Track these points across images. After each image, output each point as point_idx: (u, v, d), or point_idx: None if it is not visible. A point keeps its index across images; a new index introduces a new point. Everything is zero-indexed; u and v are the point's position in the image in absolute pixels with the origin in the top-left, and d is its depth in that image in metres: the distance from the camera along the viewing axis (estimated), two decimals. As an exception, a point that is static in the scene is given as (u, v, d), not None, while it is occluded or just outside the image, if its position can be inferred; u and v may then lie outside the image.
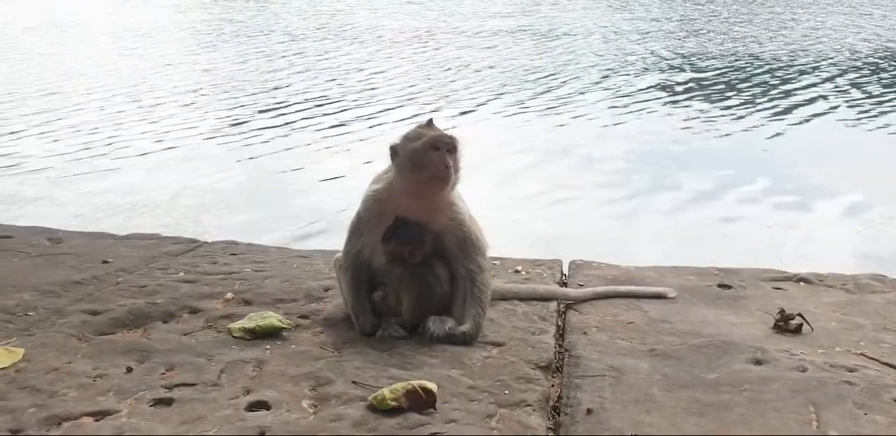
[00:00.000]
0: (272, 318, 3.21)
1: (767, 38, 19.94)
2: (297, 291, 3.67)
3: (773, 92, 14.15)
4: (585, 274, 4.23)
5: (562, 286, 4.04)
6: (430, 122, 3.25)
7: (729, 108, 12.87)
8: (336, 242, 7.54)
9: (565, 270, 4.32)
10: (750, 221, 7.86)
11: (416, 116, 12.84)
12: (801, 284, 4.16)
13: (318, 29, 23.39)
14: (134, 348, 3.07)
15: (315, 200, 9.26)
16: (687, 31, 21.25)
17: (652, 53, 18.12)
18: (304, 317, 3.40)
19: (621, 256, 6.88)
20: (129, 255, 4.31)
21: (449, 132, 3.22)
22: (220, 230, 8.75)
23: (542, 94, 14.13)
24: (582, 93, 14.20)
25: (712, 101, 13.40)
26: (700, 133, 11.36)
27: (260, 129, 12.19)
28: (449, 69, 16.73)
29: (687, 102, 13.34)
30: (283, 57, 18.60)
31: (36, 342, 3.10)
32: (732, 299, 3.89)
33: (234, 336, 3.15)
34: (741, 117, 12.24)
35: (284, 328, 3.20)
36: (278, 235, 8.01)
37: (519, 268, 4.23)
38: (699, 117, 12.26)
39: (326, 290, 3.72)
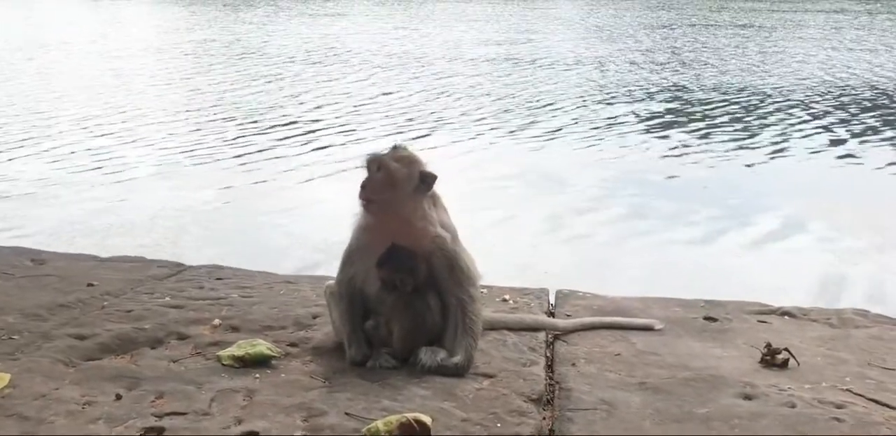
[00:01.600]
0: (261, 346, 3.19)
1: (751, 71, 20.23)
2: (285, 319, 3.66)
3: (751, 122, 14.33)
4: (573, 304, 4.25)
5: (549, 316, 4.06)
6: (394, 147, 3.27)
7: (704, 137, 13.03)
8: (322, 266, 7.53)
9: (552, 300, 4.34)
10: (726, 251, 7.94)
11: (390, 135, 12.91)
12: (786, 317, 4.20)
13: (307, 52, 23.45)
14: (122, 374, 3.03)
15: (298, 224, 9.23)
16: (674, 62, 21.54)
17: (636, 83, 18.31)
18: (293, 345, 3.38)
19: (603, 282, 6.94)
20: (114, 278, 4.27)
21: (401, 152, 3.20)
22: (199, 252, 8.68)
23: (524, 121, 14.23)
24: (566, 120, 14.32)
25: (689, 132, 13.55)
26: (678, 161, 11.48)
27: (243, 152, 12.16)
28: (434, 96, 16.81)
29: (664, 132, 13.48)
30: (270, 81, 18.60)
31: (22, 367, 3.05)
32: (718, 332, 3.91)
33: (223, 364, 3.12)
34: (716, 148, 12.38)
35: (274, 357, 3.18)
36: (261, 259, 7.98)
37: (507, 297, 4.24)
38: (676, 147, 12.39)
39: (315, 317, 3.70)
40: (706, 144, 12.64)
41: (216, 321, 3.57)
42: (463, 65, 20.98)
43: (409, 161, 3.16)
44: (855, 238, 8.42)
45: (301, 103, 15.71)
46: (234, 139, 12.87)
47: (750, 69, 20.41)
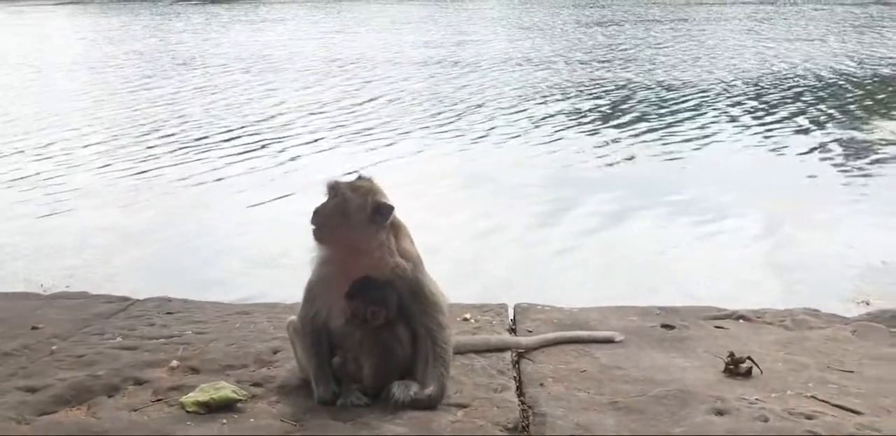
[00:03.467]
0: (226, 389, 3.09)
1: (686, 66, 20.58)
2: (245, 356, 3.55)
3: (688, 116, 14.57)
4: (533, 318, 4.24)
5: (511, 333, 4.05)
6: (358, 176, 3.22)
7: (638, 133, 13.19)
8: (273, 290, 7.36)
9: (511, 315, 4.33)
10: (670, 247, 8.05)
11: (333, 148, 12.75)
12: (741, 321, 4.27)
13: (242, 60, 23.02)
14: (82, 428, 2.91)
15: (231, 237, 9.07)
16: (609, 59, 21.80)
17: (573, 81, 18.45)
18: (257, 384, 3.29)
19: (552, 285, 6.96)
20: (59, 318, 4.10)
21: (360, 182, 3.17)
22: (134, 271, 8.45)
23: (462, 123, 14.21)
24: (500, 120, 14.35)
25: (626, 128, 13.71)
26: (608, 159, 11.61)
27: (169, 164, 11.89)
28: (367, 99, 16.68)
29: (602, 129, 13.62)
30: (205, 92, 18.21)
31: (-30, 429, 2.90)
32: (678, 341, 3.95)
33: (187, 411, 3.02)
34: (650, 142, 12.55)
35: (239, 399, 3.08)
36: (202, 278, 7.82)
37: (468, 316, 4.21)
38: (608, 144, 12.53)
39: (275, 352, 3.61)
40: (644, 140, 12.79)
41: (174, 363, 3.45)
42: (401, 68, 20.88)
43: (365, 191, 3.10)
44: (792, 227, 8.65)
45: (244, 116, 15.36)
46: (166, 155, 12.57)
47: (685, 64, 20.76)
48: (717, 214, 9.14)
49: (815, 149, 12.12)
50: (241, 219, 9.63)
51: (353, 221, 3.04)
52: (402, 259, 3.11)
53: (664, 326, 4.17)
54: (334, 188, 3.08)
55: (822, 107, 15.21)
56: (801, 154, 11.94)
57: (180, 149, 12.82)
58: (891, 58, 21.20)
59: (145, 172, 11.51)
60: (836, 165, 11.38)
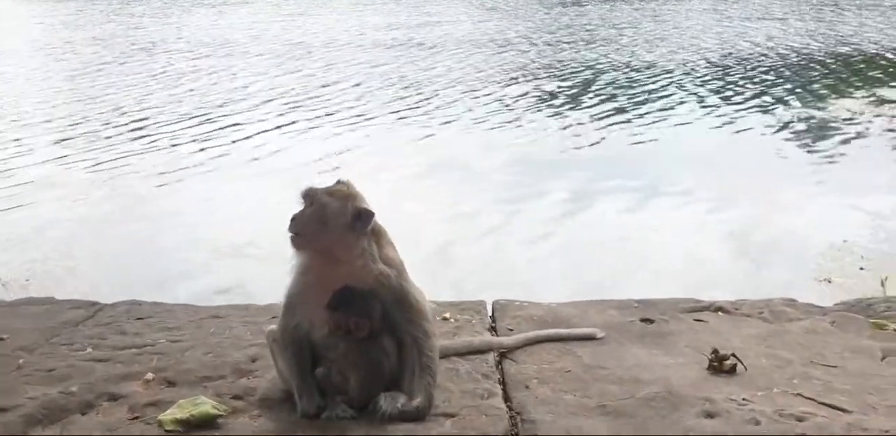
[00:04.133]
0: (205, 404, 2.99)
1: (649, 46, 20.59)
2: (223, 366, 3.45)
3: (646, 98, 14.61)
4: (512, 316, 4.19)
5: (492, 332, 4.00)
6: (337, 181, 3.12)
7: (603, 115, 13.20)
8: (239, 286, 7.23)
9: (490, 312, 4.28)
10: (633, 231, 8.12)
11: (295, 132, 12.59)
12: (719, 313, 4.25)
13: (204, 45, 22.57)
14: (56, 451, 2.80)
15: (194, 227, 8.95)
16: (570, 40, 21.72)
17: (534, 63, 18.39)
18: (237, 397, 3.19)
19: (528, 276, 6.94)
20: (25, 327, 3.96)
21: (338, 187, 3.06)
22: (95, 263, 8.30)
23: (425, 107, 14.11)
24: (466, 104, 14.29)
25: (586, 109, 13.70)
26: (575, 141, 11.61)
27: (129, 153, 11.67)
28: (331, 83, 16.48)
29: (562, 111, 13.60)
30: (165, 77, 17.86)
31: (-62, 455, 2.78)
32: (659, 336, 3.93)
33: (166, 430, 2.92)
34: (616, 124, 12.57)
35: (220, 415, 2.99)
36: (162, 271, 7.72)
37: (447, 315, 4.15)
38: (573, 126, 12.52)
39: (254, 360, 3.52)
40: (610, 122, 12.81)
41: (149, 375, 3.34)
42: (365, 51, 20.63)
43: (344, 196, 3.00)
44: (756, 208, 8.75)
45: (207, 102, 15.07)
46: (125, 144, 12.32)
47: (649, 45, 20.79)
48: (684, 196, 9.22)
49: (778, 129, 12.26)
50: (205, 208, 9.49)
51: (333, 227, 2.94)
52: (385, 266, 3.02)
53: (644, 320, 4.15)
54: (310, 195, 2.98)
55: (786, 86, 15.36)
56: (764, 135, 12.06)
57: (142, 137, 12.57)
58: (850, 36, 21.42)
59: (104, 162, 11.28)
60: (800, 146, 11.53)
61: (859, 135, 11.71)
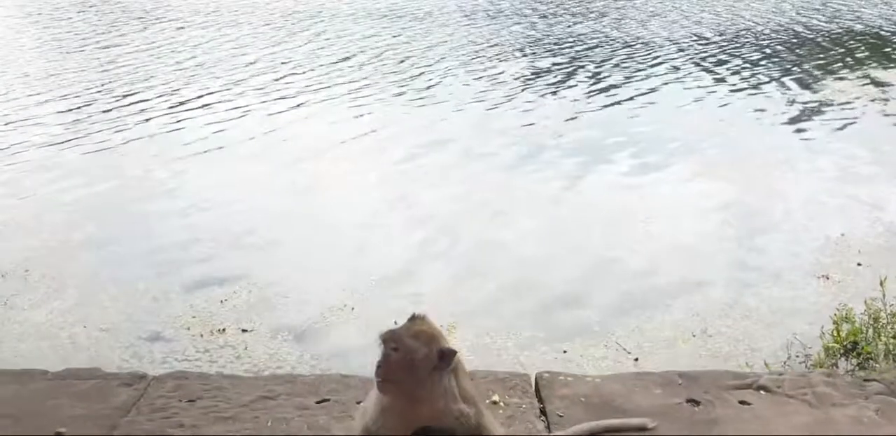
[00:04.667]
0: None
1: (631, 23, 20.33)
2: (291, 477, 3.49)
3: (639, 76, 14.55)
4: (559, 396, 4.25)
5: (541, 415, 4.06)
6: (412, 317, 3.09)
7: (593, 93, 13.21)
8: (234, 267, 7.22)
9: (534, 386, 4.34)
10: (632, 222, 8.42)
11: (281, 112, 12.47)
12: (762, 393, 4.33)
13: (189, 13, 22.00)
14: None
15: (195, 212, 8.98)
16: (562, 14, 21.39)
17: (523, 37, 18.15)
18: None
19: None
20: (78, 414, 3.94)
21: (418, 326, 3.04)
22: (94, 252, 8.28)
23: (414, 83, 13.99)
24: (460, 79, 14.18)
25: (577, 87, 13.66)
26: (569, 124, 11.67)
27: (123, 129, 11.58)
28: (314, 57, 16.21)
29: (556, 89, 13.56)
30: (156, 47, 17.46)
31: None
32: (706, 426, 4.01)
33: None
34: (610, 102, 12.64)
35: None
36: (165, 261, 7.75)
37: (496, 398, 4.19)
38: (568, 103, 12.53)
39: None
40: (601, 104, 12.82)
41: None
42: (361, 22, 20.23)
43: (428, 338, 2.99)
44: (752, 197, 9.01)
45: (211, 78, 14.80)
46: (121, 120, 12.16)
47: (636, 22, 20.53)
48: (681, 184, 9.50)
49: (771, 112, 12.33)
50: (205, 194, 9.44)
51: (420, 371, 2.95)
52: (465, 405, 3.04)
53: (689, 400, 4.23)
54: (394, 339, 2.97)
55: (779, 66, 15.32)
56: (758, 119, 12.17)
57: (140, 112, 12.38)
58: (838, 14, 21.26)
59: (104, 141, 11.12)
60: (795, 131, 11.61)
61: (855, 120, 11.85)
